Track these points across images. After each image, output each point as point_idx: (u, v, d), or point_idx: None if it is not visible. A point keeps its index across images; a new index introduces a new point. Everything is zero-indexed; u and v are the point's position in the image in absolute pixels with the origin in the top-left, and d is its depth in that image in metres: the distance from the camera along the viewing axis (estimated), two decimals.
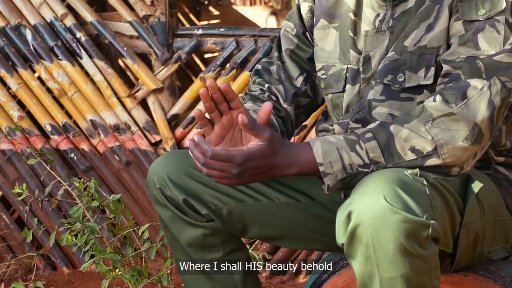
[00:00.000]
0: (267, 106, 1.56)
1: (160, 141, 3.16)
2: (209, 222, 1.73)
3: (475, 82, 1.58)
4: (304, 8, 1.85)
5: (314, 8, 1.83)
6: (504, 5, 1.62)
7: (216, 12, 5.71)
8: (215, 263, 1.76)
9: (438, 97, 1.58)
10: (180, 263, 1.78)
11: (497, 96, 1.57)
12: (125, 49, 3.13)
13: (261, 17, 6.17)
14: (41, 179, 3.06)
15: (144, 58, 3.44)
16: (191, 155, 1.57)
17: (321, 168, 1.56)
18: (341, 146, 1.56)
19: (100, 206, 2.24)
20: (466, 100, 1.57)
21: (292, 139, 3.02)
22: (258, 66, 1.88)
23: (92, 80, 3.16)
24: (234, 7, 5.80)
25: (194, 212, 1.72)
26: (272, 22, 6.18)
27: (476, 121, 1.56)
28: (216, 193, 1.73)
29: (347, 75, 1.77)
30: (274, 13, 6.24)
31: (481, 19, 1.62)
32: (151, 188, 1.74)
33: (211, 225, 1.73)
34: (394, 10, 1.72)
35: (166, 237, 1.80)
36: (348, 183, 1.57)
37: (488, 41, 1.60)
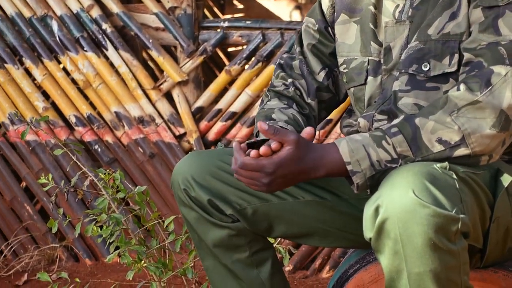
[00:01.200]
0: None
1: (185, 133, 3.15)
2: (234, 223, 1.73)
3: (499, 69, 1.57)
4: (325, 4, 1.85)
5: (335, 3, 1.82)
6: None
7: (241, 6, 5.69)
8: (241, 263, 1.75)
9: (462, 86, 1.57)
10: (206, 263, 1.78)
11: None
12: (150, 41, 3.13)
13: (285, 11, 6.15)
14: (67, 170, 3.06)
15: (168, 50, 3.43)
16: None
17: (349, 167, 1.55)
18: (367, 143, 1.55)
19: (125, 197, 2.23)
20: (490, 87, 1.56)
21: (316, 132, 3.01)
22: (281, 61, 1.89)
23: (117, 72, 3.16)
24: (259, 1, 5.78)
25: (219, 212, 1.72)
26: (296, 17, 6.15)
27: (502, 108, 1.55)
28: (240, 193, 1.72)
29: (369, 67, 1.77)
30: (298, 7, 6.22)
31: (501, 4, 1.61)
32: (176, 189, 1.74)
33: (236, 226, 1.73)
34: None
35: (192, 238, 1.80)
36: (377, 180, 1.56)
37: (509, 26, 1.59)
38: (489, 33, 1.60)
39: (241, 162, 1.55)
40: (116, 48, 3.14)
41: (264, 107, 1.81)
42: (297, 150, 1.55)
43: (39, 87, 3.26)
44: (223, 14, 5.26)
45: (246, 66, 3.12)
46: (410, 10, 1.72)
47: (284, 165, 1.55)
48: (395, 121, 1.58)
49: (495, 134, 1.55)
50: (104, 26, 3.14)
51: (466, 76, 1.60)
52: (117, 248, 2.19)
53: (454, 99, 1.56)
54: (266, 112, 1.78)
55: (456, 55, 1.66)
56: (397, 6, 1.73)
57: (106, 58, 3.17)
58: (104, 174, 2.24)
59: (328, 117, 2.95)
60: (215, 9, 5.13)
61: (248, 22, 3.13)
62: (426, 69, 1.68)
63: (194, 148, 3.12)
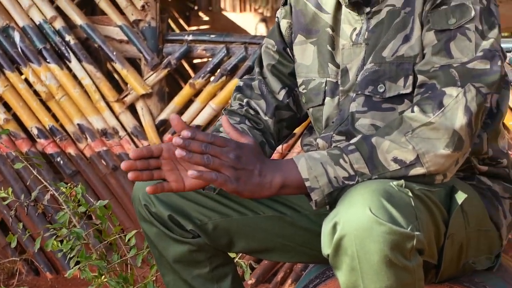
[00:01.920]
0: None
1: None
2: (195, 238, 1.74)
3: (450, 90, 1.60)
4: (284, 25, 1.87)
5: (292, 25, 1.85)
6: (473, 13, 1.65)
7: (206, 18, 5.71)
8: (202, 278, 1.76)
9: (416, 108, 1.61)
10: (167, 279, 1.79)
11: (473, 102, 1.60)
12: (114, 53, 3.12)
13: (251, 23, 6.18)
14: (27, 184, 3.04)
15: (133, 63, 3.43)
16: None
17: (307, 184, 1.56)
18: (325, 161, 1.57)
19: (87, 211, 2.23)
20: (443, 109, 1.59)
21: (280, 146, 3.03)
22: (240, 83, 1.90)
23: (80, 84, 3.15)
24: (224, 13, 5.80)
25: (180, 228, 1.73)
26: (261, 29, 6.19)
27: (455, 128, 1.58)
28: (201, 208, 1.73)
29: (326, 88, 1.79)
30: (264, 20, 6.25)
31: (452, 28, 1.65)
32: (137, 204, 1.74)
33: (197, 241, 1.74)
34: (369, 22, 1.75)
35: (152, 254, 1.80)
36: (336, 197, 1.57)
37: (460, 49, 1.63)
38: (441, 56, 1.64)
39: (212, 134, 1.53)
40: (79, 60, 3.13)
41: (215, 124, 1.84)
42: (255, 145, 1.57)
43: (0, 99, 3.23)
44: (188, 26, 5.27)
45: (211, 79, 3.13)
46: (366, 33, 1.75)
47: (244, 147, 1.54)
48: (353, 140, 1.61)
49: (449, 154, 1.59)
50: (68, 37, 3.13)
51: (420, 98, 1.64)
52: (77, 262, 2.18)
53: (409, 120, 1.59)
54: (217, 127, 1.80)
55: (411, 77, 1.69)
56: (355, 29, 1.76)
57: (69, 70, 3.16)
58: (66, 188, 2.23)
59: None
60: (181, 21, 5.14)
61: (212, 36, 3.15)
62: (381, 90, 1.71)
63: None
